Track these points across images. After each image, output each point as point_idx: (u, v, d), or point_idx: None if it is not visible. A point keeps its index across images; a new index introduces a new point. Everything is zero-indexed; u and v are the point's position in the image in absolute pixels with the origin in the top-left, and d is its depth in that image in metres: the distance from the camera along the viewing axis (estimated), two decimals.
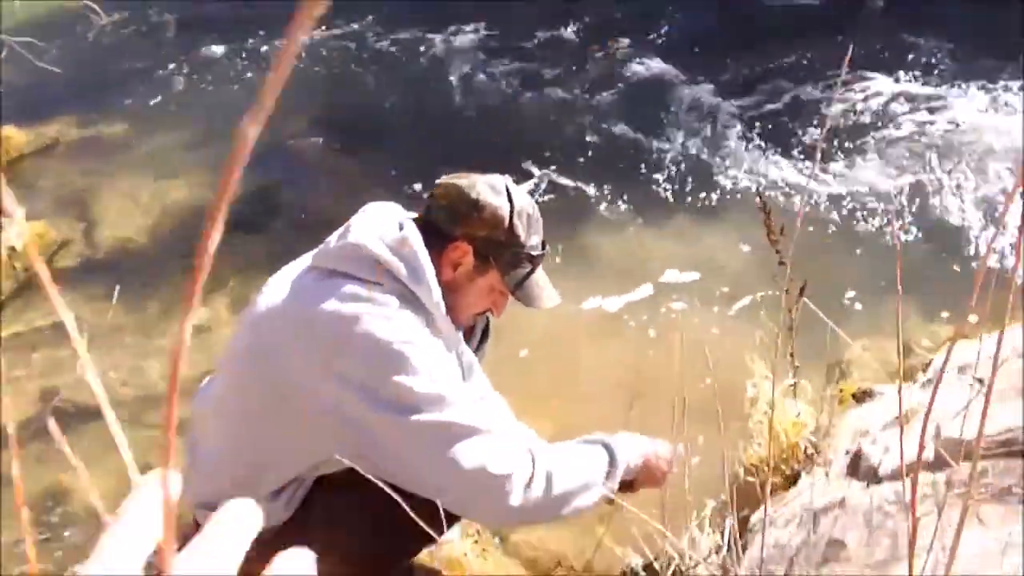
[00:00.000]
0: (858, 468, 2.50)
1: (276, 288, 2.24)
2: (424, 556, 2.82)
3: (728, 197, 5.08)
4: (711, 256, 4.52)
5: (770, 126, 5.66)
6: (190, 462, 2.42)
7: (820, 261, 4.22)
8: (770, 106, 5.86)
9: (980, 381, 2.68)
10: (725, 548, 2.50)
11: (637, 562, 2.55)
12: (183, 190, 5.49)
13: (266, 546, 1.72)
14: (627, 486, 2.40)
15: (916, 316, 3.89)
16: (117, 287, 4.39)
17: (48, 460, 3.59)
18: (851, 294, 4.12)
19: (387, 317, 2.06)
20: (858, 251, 4.53)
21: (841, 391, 3.16)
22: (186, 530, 2.74)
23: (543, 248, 2.35)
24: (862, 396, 3.04)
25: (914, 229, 4.62)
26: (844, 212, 4.84)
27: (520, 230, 2.25)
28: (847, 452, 2.64)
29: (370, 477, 1.92)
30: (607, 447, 2.35)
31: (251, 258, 4.57)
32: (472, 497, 2.10)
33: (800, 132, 5.56)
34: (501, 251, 2.25)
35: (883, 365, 3.40)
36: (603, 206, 5.12)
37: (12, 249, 4.74)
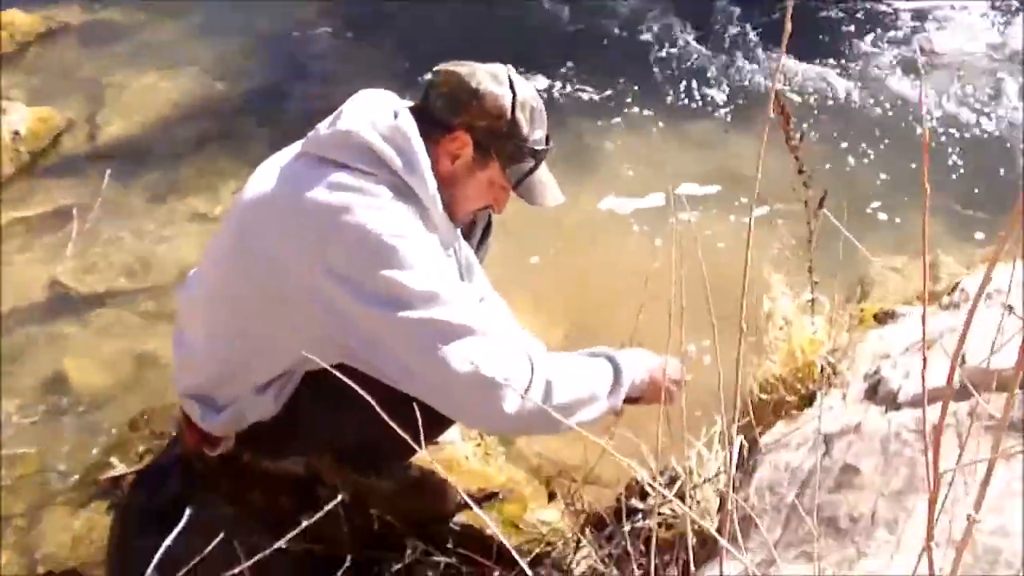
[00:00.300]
0: (876, 392, 2.41)
1: (264, 175, 2.15)
2: (423, 457, 2.76)
3: (757, 105, 4.92)
4: (735, 165, 4.39)
5: (800, 29, 5.45)
6: (176, 352, 2.37)
7: (845, 172, 4.09)
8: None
9: (1010, 308, 2.58)
10: (733, 468, 2.43)
11: (643, 476, 2.48)
12: (190, 79, 5.38)
13: (256, 441, 1.66)
14: (632, 402, 2.32)
15: (947, 235, 3.76)
16: (108, 172, 4.36)
17: (49, 346, 3.55)
18: (875, 205, 4.00)
19: (379, 208, 1.96)
20: (886, 164, 4.39)
21: (862, 311, 3.06)
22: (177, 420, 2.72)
23: (547, 143, 2.24)
24: (883, 317, 2.93)
25: (949, 143, 4.47)
26: (874, 119, 4.68)
27: (523, 122, 2.15)
28: (865, 375, 2.55)
29: (361, 375, 1.85)
30: (612, 361, 2.27)
31: (258, 149, 4.41)
32: (464, 400, 2.03)
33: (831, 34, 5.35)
34: (502, 143, 2.16)
35: (907, 285, 3.30)
36: (622, 111, 4.98)
37: (16, 133, 4.66)
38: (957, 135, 4.63)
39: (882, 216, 3.99)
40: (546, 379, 2.10)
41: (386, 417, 1.47)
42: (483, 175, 2.20)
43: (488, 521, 1.59)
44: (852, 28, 5.48)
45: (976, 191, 4.21)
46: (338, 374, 1.54)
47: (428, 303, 1.98)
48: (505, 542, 1.44)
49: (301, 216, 2.01)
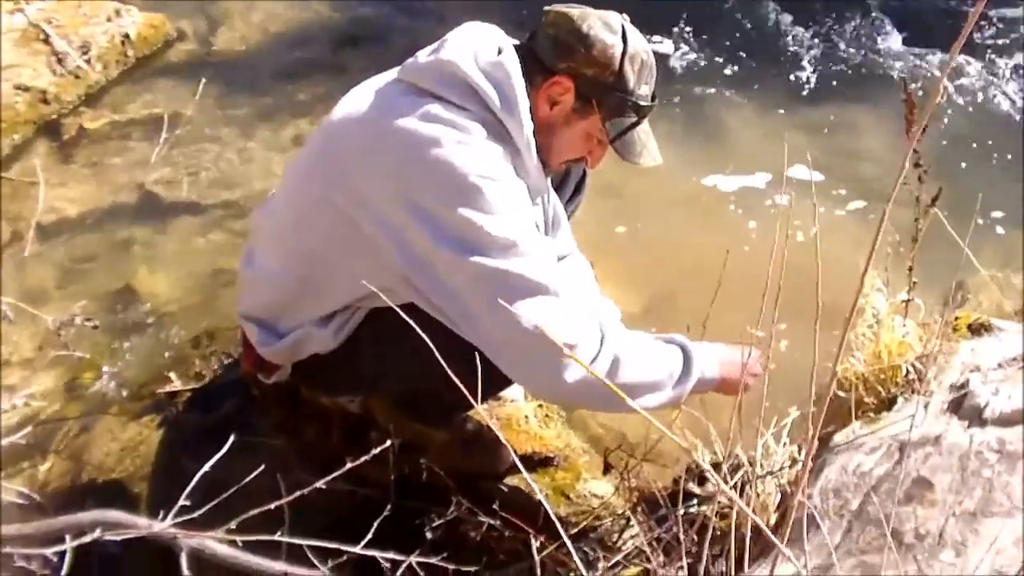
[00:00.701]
0: (961, 406, 2.28)
1: (356, 98, 2.08)
2: (482, 411, 2.70)
3: (878, 93, 4.73)
4: (847, 152, 4.21)
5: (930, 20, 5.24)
6: (244, 272, 2.33)
7: (965, 173, 3.90)
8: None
9: None
10: (800, 464, 2.33)
11: (704, 459, 2.38)
12: (304, 5, 5.33)
13: (313, 374, 1.60)
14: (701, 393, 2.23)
15: None
16: (203, 80, 4.30)
17: (124, 252, 3.55)
18: (994, 215, 3.81)
19: (469, 145, 1.88)
20: (1013, 168, 4.18)
21: (956, 319, 2.91)
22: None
23: (653, 100, 2.14)
24: (979, 329, 2.78)
25: None
26: (1005, 122, 4.47)
27: (630, 75, 2.05)
28: (952, 386, 2.42)
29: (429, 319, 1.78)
30: (685, 351, 2.17)
31: (360, 80, 4.34)
32: (526, 361, 1.94)
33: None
34: (606, 94, 2.06)
35: (1009, 299, 3.14)
36: (737, 85, 4.82)
37: (126, 36, 4.65)
38: None
39: (1000, 228, 3.79)
40: (614, 354, 2.01)
41: (445, 366, 1.38)
42: (581, 125, 2.11)
43: (535, 488, 1.51)
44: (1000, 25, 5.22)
45: None
46: (403, 315, 1.46)
47: (505, 252, 1.90)
48: (551, 511, 1.36)
49: (387, 142, 1.94)
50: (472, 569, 2.06)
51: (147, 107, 4.37)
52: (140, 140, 4.17)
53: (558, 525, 1.41)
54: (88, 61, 4.45)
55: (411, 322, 1.45)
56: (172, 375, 2.96)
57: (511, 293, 1.90)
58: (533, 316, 1.90)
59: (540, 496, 1.46)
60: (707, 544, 2.12)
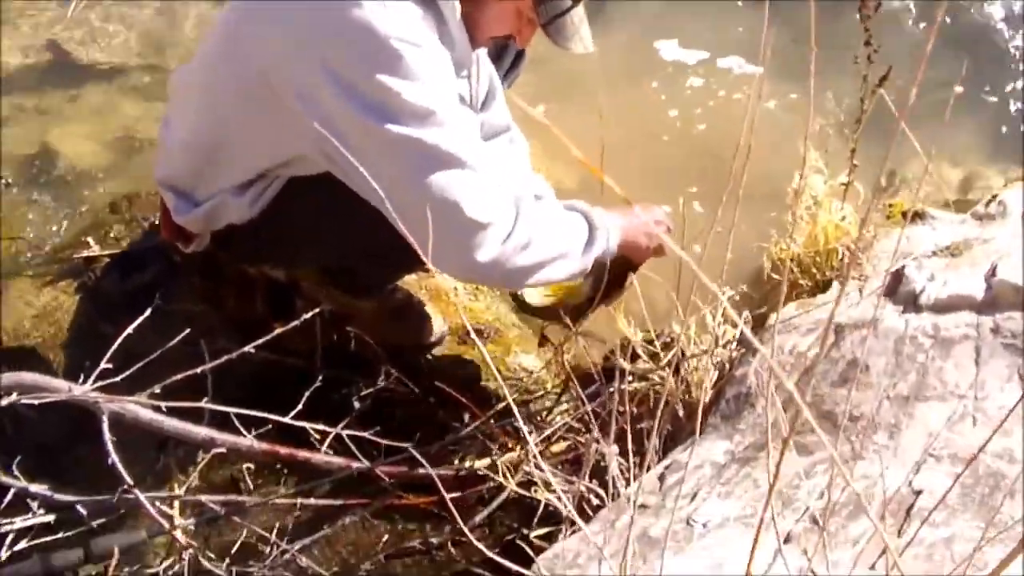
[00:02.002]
0: (896, 291, 2.27)
1: None
2: (412, 281, 2.64)
3: None
4: (799, 34, 4.13)
5: None
6: (162, 136, 2.23)
7: (914, 57, 3.84)
8: None
9: None
10: (735, 342, 2.32)
11: (637, 335, 2.36)
12: None
13: (231, 244, 1.50)
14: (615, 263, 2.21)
15: (991, 149, 3.57)
16: None
17: (39, 113, 3.38)
18: (934, 99, 3.77)
19: (391, 8, 1.78)
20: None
21: (891, 207, 2.91)
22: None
23: None
24: (914, 217, 2.78)
25: None
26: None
27: None
28: (886, 272, 2.41)
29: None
30: (589, 220, 2.12)
31: None
32: (436, 237, 1.81)
33: None
34: None
35: (943, 188, 3.14)
36: None
37: None
38: None
39: (944, 117, 3.75)
40: (528, 235, 1.95)
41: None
42: (511, 3, 2.00)
43: (485, 353, 1.46)
44: None
45: None
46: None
47: (422, 121, 1.80)
48: (499, 380, 1.31)
49: (305, 3, 1.83)
50: (403, 445, 2.01)
51: None
52: None
53: (505, 392, 1.35)
54: None
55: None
56: (90, 240, 2.84)
57: (425, 164, 1.82)
58: (447, 190, 1.83)
59: (493, 368, 1.37)
60: (630, 420, 2.11)
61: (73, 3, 3.38)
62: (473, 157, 1.86)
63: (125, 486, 1.84)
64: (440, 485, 1.67)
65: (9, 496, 1.89)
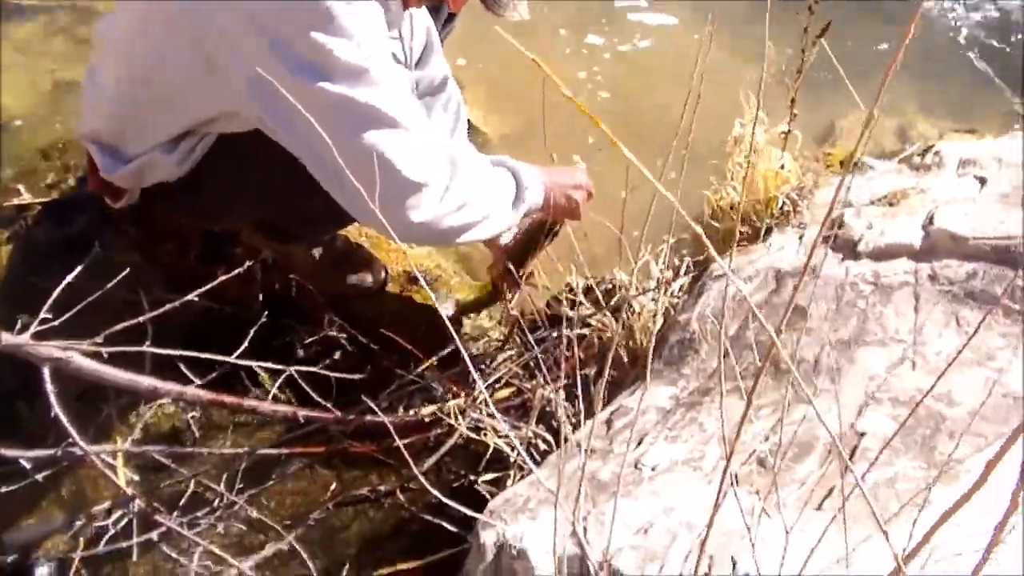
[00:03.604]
0: (835, 239, 2.30)
1: None
2: (352, 228, 2.61)
3: None
4: None
5: None
6: (86, 90, 2.16)
7: (852, 9, 3.85)
8: None
9: (982, 181, 2.49)
10: (677, 287, 2.33)
11: (578, 283, 2.36)
12: None
13: (162, 201, 1.47)
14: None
15: (933, 100, 3.61)
16: None
17: None
18: (872, 50, 3.80)
19: None
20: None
21: (829, 155, 2.94)
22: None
23: None
24: (852, 167, 2.82)
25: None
26: None
27: None
28: (825, 219, 2.44)
29: None
30: (515, 176, 2.12)
31: None
32: (369, 198, 1.77)
33: None
34: None
35: (880, 139, 3.18)
36: None
37: None
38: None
39: (881, 67, 3.78)
40: (463, 196, 1.94)
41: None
42: None
43: (432, 295, 1.44)
44: None
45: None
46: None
47: (355, 80, 1.76)
48: (448, 325, 1.30)
49: None
50: (354, 382, 2.00)
51: None
52: None
53: (458, 342, 1.34)
54: None
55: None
56: (21, 187, 2.77)
57: (358, 123, 1.78)
58: (384, 149, 1.79)
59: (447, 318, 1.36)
60: (578, 365, 2.12)
61: None
62: (408, 117, 1.83)
63: (69, 440, 1.80)
64: (393, 431, 1.66)
65: None
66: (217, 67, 1.83)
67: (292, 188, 1.89)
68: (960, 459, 1.64)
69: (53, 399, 1.80)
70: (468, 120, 2.55)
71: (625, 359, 2.22)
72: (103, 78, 2.14)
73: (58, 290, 1.82)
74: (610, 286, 2.36)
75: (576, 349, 2.02)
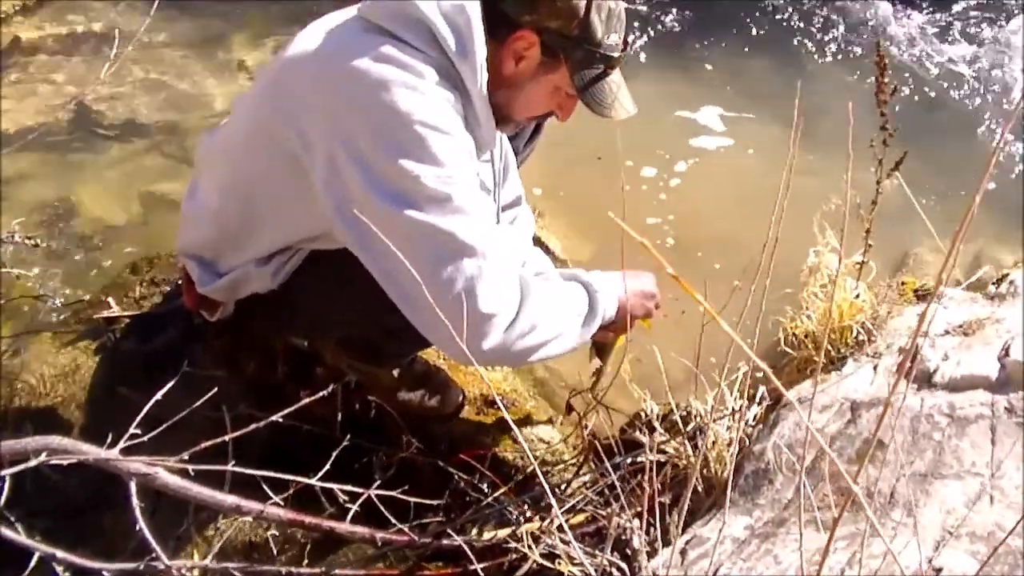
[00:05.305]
0: (911, 369, 2.30)
1: (311, 34, 1.99)
2: (431, 350, 2.66)
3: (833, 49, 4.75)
4: (817, 108, 4.19)
5: None
6: (186, 205, 2.26)
7: (924, 141, 3.90)
8: None
9: None
10: (752, 418, 2.34)
11: (654, 409, 2.38)
12: None
13: (254, 314, 1.55)
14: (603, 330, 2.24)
15: (1004, 230, 3.61)
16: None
17: (64, 168, 3.43)
18: (944, 182, 3.83)
19: (418, 91, 1.80)
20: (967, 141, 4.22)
21: (903, 284, 2.94)
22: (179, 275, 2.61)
23: (623, 49, 2.05)
24: (924, 295, 2.82)
25: None
26: (965, 93, 4.51)
27: (597, 25, 1.97)
28: (901, 349, 2.45)
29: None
30: (588, 289, 2.14)
31: (314, 10, 4.21)
32: (443, 325, 1.68)
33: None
34: (572, 47, 1.97)
35: (953, 267, 3.18)
36: (704, 30, 4.80)
37: None
38: None
39: (952, 195, 3.80)
40: (532, 320, 1.96)
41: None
42: (548, 79, 2.02)
43: (509, 420, 1.46)
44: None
45: None
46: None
47: (440, 208, 1.82)
48: (525, 448, 1.33)
49: (336, 81, 1.85)
50: (433, 503, 2.02)
51: (87, 22, 4.22)
52: (77, 54, 4.03)
53: (538, 472, 1.37)
54: None
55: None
56: (110, 300, 2.87)
57: (438, 253, 1.83)
58: (460, 280, 1.84)
59: (524, 445, 1.40)
60: (655, 494, 2.12)
61: (107, 65, 3.43)
62: (485, 243, 1.87)
63: (153, 554, 1.84)
64: (470, 554, 1.68)
65: (33, 561, 1.89)
66: (311, 189, 1.90)
67: (380, 304, 1.92)
68: None
69: (139, 513, 1.85)
70: (547, 246, 2.61)
71: (700, 487, 2.22)
72: (203, 193, 2.24)
73: (147, 407, 1.87)
74: (684, 413, 2.37)
75: (654, 477, 2.02)
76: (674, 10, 4.97)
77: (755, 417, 2.36)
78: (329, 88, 1.86)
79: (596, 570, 1.89)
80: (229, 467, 1.88)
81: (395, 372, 2.50)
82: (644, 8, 4.98)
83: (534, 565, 2.08)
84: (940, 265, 3.23)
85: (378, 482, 1.97)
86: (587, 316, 2.13)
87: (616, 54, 2.03)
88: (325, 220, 1.91)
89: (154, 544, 1.84)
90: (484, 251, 1.86)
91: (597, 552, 1.98)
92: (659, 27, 4.89)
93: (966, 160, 4.08)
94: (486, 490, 2.27)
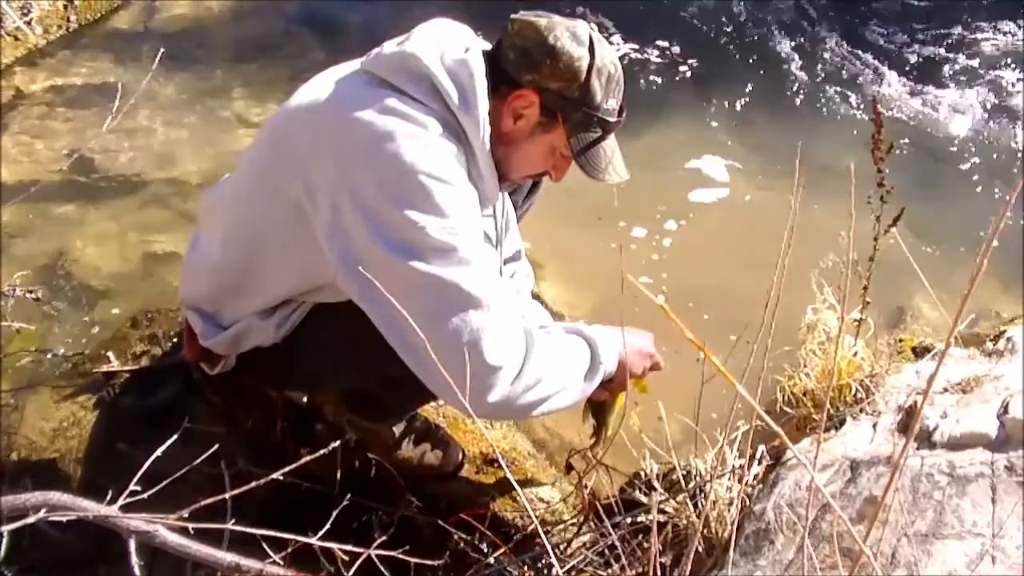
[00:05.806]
0: (915, 428, 2.30)
1: (314, 86, 2.02)
2: (430, 408, 2.66)
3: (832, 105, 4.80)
4: (819, 165, 4.22)
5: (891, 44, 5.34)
6: (188, 257, 2.27)
7: (919, 197, 3.93)
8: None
9: None
10: (752, 477, 2.34)
11: (654, 468, 2.38)
12: None
13: (256, 367, 1.55)
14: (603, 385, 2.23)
15: (1002, 283, 3.63)
16: (161, 50, 4.15)
17: (62, 222, 3.45)
18: (941, 237, 3.85)
19: (423, 143, 1.82)
20: (966, 191, 4.25)
21: (901, 342, 2.95)
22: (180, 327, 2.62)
23: (620, 115, 2.08)
24: (922, 351, 2.83)
25: None
26: (958, 150, 4.56)
27: (597, 89, 1.99)
28: (899, 407, 2.45)
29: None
30: (590, 344, 2.14)
31: (312, 64, 4.30)
32: (448, 377, 1.65)
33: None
34: (571, 109, 1.99)
35: (947, 324, 3.19)
36: (706, 86, 4.88)
37: (69, 0, 4.51)
38: None
39: (948, 249, 3.82)
40: (537, 374, 1.96)
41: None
42: (545, 139, 2.04)
43: (511, 478, 1.46)
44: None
45: None
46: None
47: (444, 259, 1.83)
48: (527, 507, 1.33)
49: (340, 133, 1.87)
50: (433, 563, 2.02)
51: (88, 75, 4.26)
52: (79, 108, 4.06)
53: (541, 535, 1.37)
54: (29, 23, 4.32)
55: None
56: (110, 354, 2.87)
57: (443, 304, 1.84)
58: (465, 332, 1.84)
59: (526, 501, 1.40)
60: (657, 553, 2.12)
61: (108, 118, 3.47)
62: (490, 295, 1.87)
63: None
64: None
65: None
66: (315, 240, 1.91)
67: (382, 356, 1.92)
68: None
69: (137, 571, 1.84)
70: (543, 301, 2.61)
71: (701, 547, 2.21)
72: (206, 244, 2.24)
73: (147, 463, 1.86)
74: (684, 472, 2.37)
75: (655, 538, 2.02)
76: (679, 64, 5.04)
77: (755, 477, 2.36)
78: (334, 138, 1.88)
79: None
80: (228, 526, 1.86)
81: (396, 430, 2.50)
82: (658, 60, 5.04)
83: None
84: (938, 318, 3.27)
85: (378, 541, 1.95)
86: (589, 370, 2.12)
87: (613, 119, 2.05)
88: (327, 270, 1.92)
89: None
90: (489, 303, 1.87)
91: None
92: (667, 79, 4.95)
93: (965, 210, 4.13)
94: (486, 550, 2.27)
